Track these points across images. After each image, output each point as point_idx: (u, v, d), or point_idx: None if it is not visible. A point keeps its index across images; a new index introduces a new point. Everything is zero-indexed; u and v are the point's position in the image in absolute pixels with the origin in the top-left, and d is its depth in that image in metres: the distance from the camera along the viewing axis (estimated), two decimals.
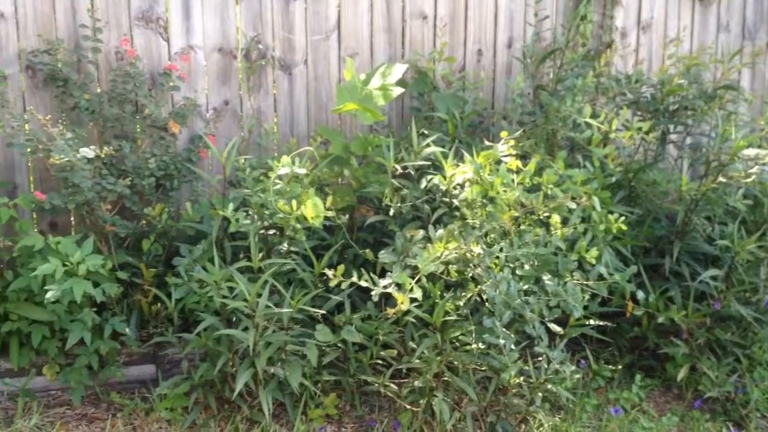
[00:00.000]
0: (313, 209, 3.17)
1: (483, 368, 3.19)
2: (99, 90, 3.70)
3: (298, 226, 3.24)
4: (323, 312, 3.21)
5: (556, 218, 3.15)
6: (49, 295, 3.15)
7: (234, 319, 3.23)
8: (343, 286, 3.06)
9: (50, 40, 3.56)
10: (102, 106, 3.61)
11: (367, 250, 3.31)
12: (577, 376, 3.17)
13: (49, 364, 3.42)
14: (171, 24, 3.76)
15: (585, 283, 3.17)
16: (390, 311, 2.98)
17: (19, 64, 3.61)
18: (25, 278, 3.31)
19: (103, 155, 3.36)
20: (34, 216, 3.74)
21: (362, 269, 3.12)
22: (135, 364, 3.53)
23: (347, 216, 3.58)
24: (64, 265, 3.21)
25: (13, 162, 3.68)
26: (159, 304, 3.53)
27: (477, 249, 3.01)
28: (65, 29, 3.62)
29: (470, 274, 3.09)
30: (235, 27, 3.86)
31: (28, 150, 3.50)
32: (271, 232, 3.35)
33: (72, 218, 3.81)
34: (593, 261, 3.18)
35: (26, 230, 3.43)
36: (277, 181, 3.26)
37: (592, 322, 3.32)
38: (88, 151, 3.28)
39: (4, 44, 3.58)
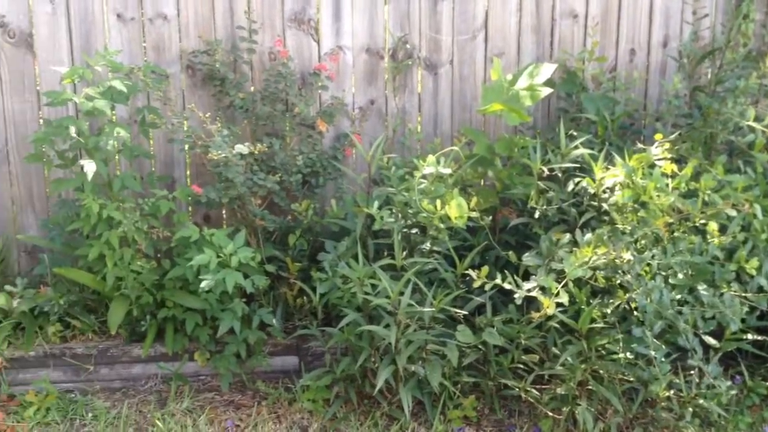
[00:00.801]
0: (457, 209, 3.17)
1: (630, 379, 3.08)
2: (252, 89, 3.85)
3: (442, 225, 3.23)
4: (465, 313, 3.20)
5: (713, 226, 3.00)
6: (203, 284, 3.29)
7: (376, 315, 3.27)
8: (487, 287, 3.03)
9: (209, 41, 3.73)
10: (255, 104, 3.75)
11: (510, 252, 3.26)
12: (733, 392, 3.00)
13: (200, 350, 3.58)
14: (321, 25, 3.85)
15: (743, 294, 3.00)
16: (535, 315, 2.93)
17: (180, 63, 3.80)
18: (181, 267, 3.47)
19: (256, 152, 3.47)
20: (189, 209, 3.93)
21: (504, 271, 3.08)
22: (279, 355, 3.63)
23: (490, 217, 3.55)
24: (218, 257, 3.35)
25: (172, 157, 3.89)
26: (303, 298, 3.63)
27: (627, 255, 2.90)
28: (223, 30, 3.78)
29: (619, 281, 3.00)
30: (383, 27, 3.91)
31: (186, 146, 3.68)
32: (414, 231, 3.37)
33: (223, 212, 3.98)
34: (753, 272, 3.01)
35: (183, 222, 3.61)
36: (422, 180, 3.27)
37: (749, 336, 3.14)
38: (243, 148, 3.40)
39: (167, 45, 3.78)
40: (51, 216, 3.82)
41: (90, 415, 3.35)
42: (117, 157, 3.69)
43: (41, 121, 3.79)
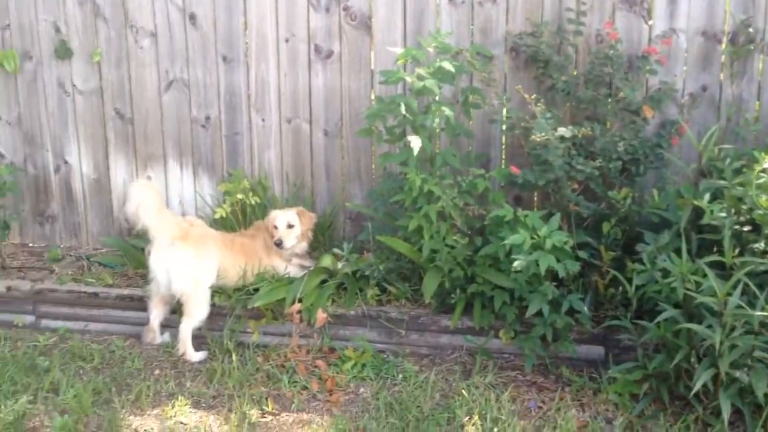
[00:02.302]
0: None
1: None
2: (574, 72, 3.80)
3: None
4: None
5: None
6: (516, 263, 3.33)
7: (696, 314, 3.08)
8: None
9: (536, 23, 3.74)
10: (577, 87, 3.70)
11: None
12: None
13: (505, 328, 3.63)
14: (655, 7, 3.69)
15: None
16: None
17: (504, 45, 3.86)
18: (494, 245, 3.54)
19: (579, 135, 3.43)
20: (502, 188, 3.98)
21: None
22: (585, 343, 3.58)
23: None
24: (532, 238, 3.37)
25: (489, 136, 3.97)
26: (615, 288, 3.53)
27: None
28: (551, 12, 3.77)
29: None
30: (723, 9, 3.64)
31: (504, 126, 3.73)
32: (746, 228, 3.12)
33: (535, 194, 3.99)
34: None
35: (498, 201, 3.67)
36: (761, 174, 3.02)
37: None
38: (566, 131, 3.38)
39: (493, 27, 3.86)
40: (375, 187, 4.10)
41: (400, 376, 3.55)
42: (438, 134, 3.85)
43: (372, 98, 4.07)
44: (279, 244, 3.92)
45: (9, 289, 4.09)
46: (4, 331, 3.98)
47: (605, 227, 3.60)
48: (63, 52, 4.31)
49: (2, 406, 3.26)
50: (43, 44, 4.34)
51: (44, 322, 4.08)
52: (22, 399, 3.30)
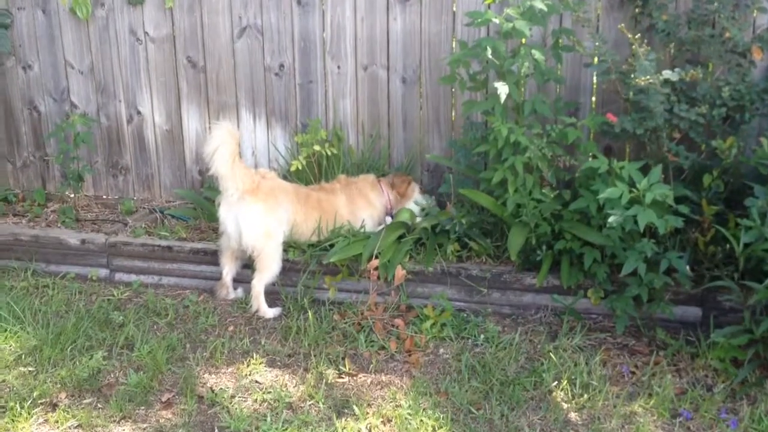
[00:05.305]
0: None
1: None
2: (675, 11, 3.49)
3: None
4: None
5: None
6: (611, 219, 3.09)
7: None
8: None
9: None
10: (678, 28, 3.39)
11: None
12: None
13: (594, 288, 3.41)
14: None
15: None
16: None
17: None
18: (585, 199, 3.31)
19: (687, 78, 3.13)
20: (590, 138, 3.72)
21: None
22: (680, 304, 3.34)
23: None
24: (630, 192, 3.12)
25: (579, 82, 3.71)
26: (715, 246, 3.26)
27: None
28: None
29: None
30: None
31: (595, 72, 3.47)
32: None
33: (627, 144, 3.72)
34: None
35: (591, 151, 3.42)
36: None
37: None
38: (671, 74, 3.09)
39: None
40: (455, 138, 3.89)
41: (482, 336, 3.37)
42: (525, 80, 3.60)
43: (454, 43, 3.84)
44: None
45: (83, 242, 4.05)
46: (79, 285, 3.96)
47: (706, 180, 3.32)
48: None
49: (77, 362, 3.22)
50: None
51: (118, 276, 4.04)
52: (97, 355, 3.25)
